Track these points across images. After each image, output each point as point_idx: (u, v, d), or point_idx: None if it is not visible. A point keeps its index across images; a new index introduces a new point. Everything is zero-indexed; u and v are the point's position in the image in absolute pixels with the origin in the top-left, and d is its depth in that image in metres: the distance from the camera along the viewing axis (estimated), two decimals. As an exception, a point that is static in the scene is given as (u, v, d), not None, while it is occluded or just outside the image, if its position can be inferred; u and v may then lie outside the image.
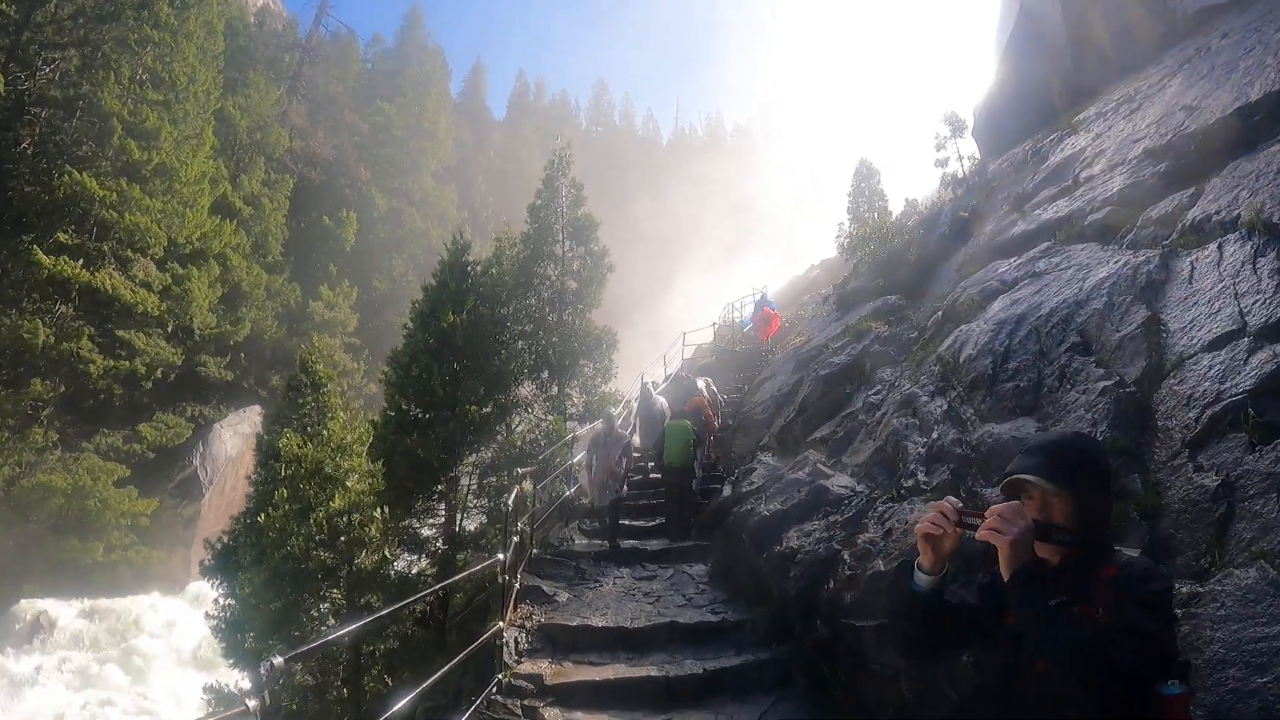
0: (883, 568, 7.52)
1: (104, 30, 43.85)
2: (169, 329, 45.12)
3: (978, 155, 24.96)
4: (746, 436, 17.61)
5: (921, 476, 8.88)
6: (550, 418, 18.10)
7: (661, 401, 16.39)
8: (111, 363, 41.47)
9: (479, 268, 17.99)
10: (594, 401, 19.89)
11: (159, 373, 43.61)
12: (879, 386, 13.33)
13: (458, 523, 16.11)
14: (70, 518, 36.05)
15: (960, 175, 25.41)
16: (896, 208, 27.74)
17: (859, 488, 9.99)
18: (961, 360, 10.46)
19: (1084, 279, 10.04)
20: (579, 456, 12.81)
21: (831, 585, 8.08)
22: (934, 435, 9.43)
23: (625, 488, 13.90)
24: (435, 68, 71.37)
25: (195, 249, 46.91)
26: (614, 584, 11.42)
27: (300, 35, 64.01)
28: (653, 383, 20.39)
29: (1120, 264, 9.63)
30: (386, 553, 13.56)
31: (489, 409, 16.10)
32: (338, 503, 12.74)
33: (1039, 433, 7.94)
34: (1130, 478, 6.53)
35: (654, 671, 8.02)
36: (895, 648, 3.15)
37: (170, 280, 45.34)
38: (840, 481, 10.36)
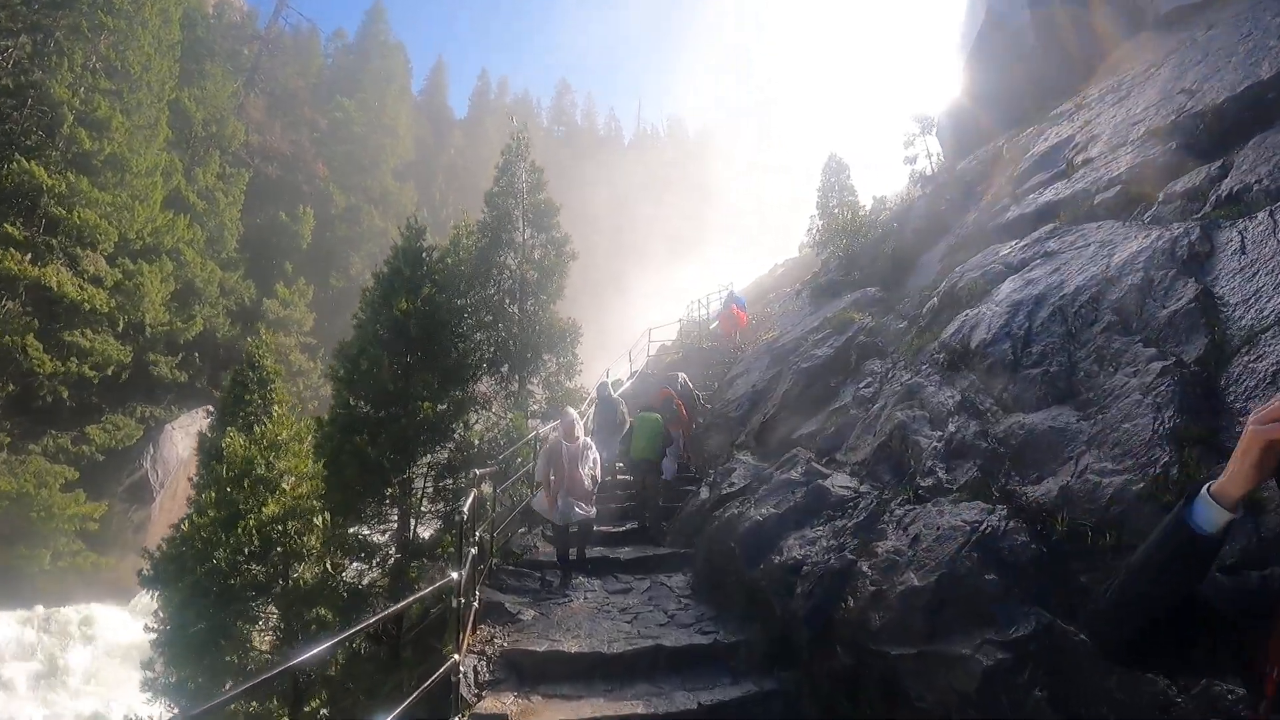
0: (917, 582, 6.17)
1: (57, 16, 41.87)
2: (119, 327, 42.93)
3: (943, 156, 24.14)
4: (720, 435, 16.31)
5: (942, 474, 7.59)
6: (511, 415, 16.65)
7: (621, 405, 15.13)
8: (61, 364, 39.36)
9: (435, 254, 16.50)
10: (558, 397, 18.40)
11: (109, 372, 41.43)
12: (869, 379, 12.14)
13: (411, 529, 14.55)
14: (16, 523, 33.83)
15: (929, 173, 24.48)
16: (866, 204, 26.62)
17: (864, 488, 8.69)
18: (973, 346, 9.24)
19: (1109, 255, 8.95)
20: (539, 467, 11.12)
21: (851, 604, 6.73)
22: (950, 428, 8.16)
23: (593, 509, 11.11)
24: (396, 64, 69.31)
25: (147, 244, 44.78)
26: (585, 599, 10.01)
27: (259, 27, 61.90)
28: (613, 382, 19.11)
29: (1152, 238, 8.56)
30: (328, 565, 11.97)
31: (445, 405, 14.59)
32: (271, 509, 11.17)
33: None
34: (1216, 469, 5.28)
35: (640, 708, 6.54)
36: (1110, 635, 1.80)
37: (121, 276, 43.18)
38: (841, 481, 9.05)
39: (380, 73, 66.25)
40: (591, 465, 10.90)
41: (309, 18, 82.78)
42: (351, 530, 14.09)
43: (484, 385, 18.10)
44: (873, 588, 6.54)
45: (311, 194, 55.83)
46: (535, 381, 19.04)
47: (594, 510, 11.00)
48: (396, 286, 15.00)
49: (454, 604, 6.60)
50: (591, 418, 15.63)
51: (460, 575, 6.51)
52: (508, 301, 19.27)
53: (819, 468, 9.75)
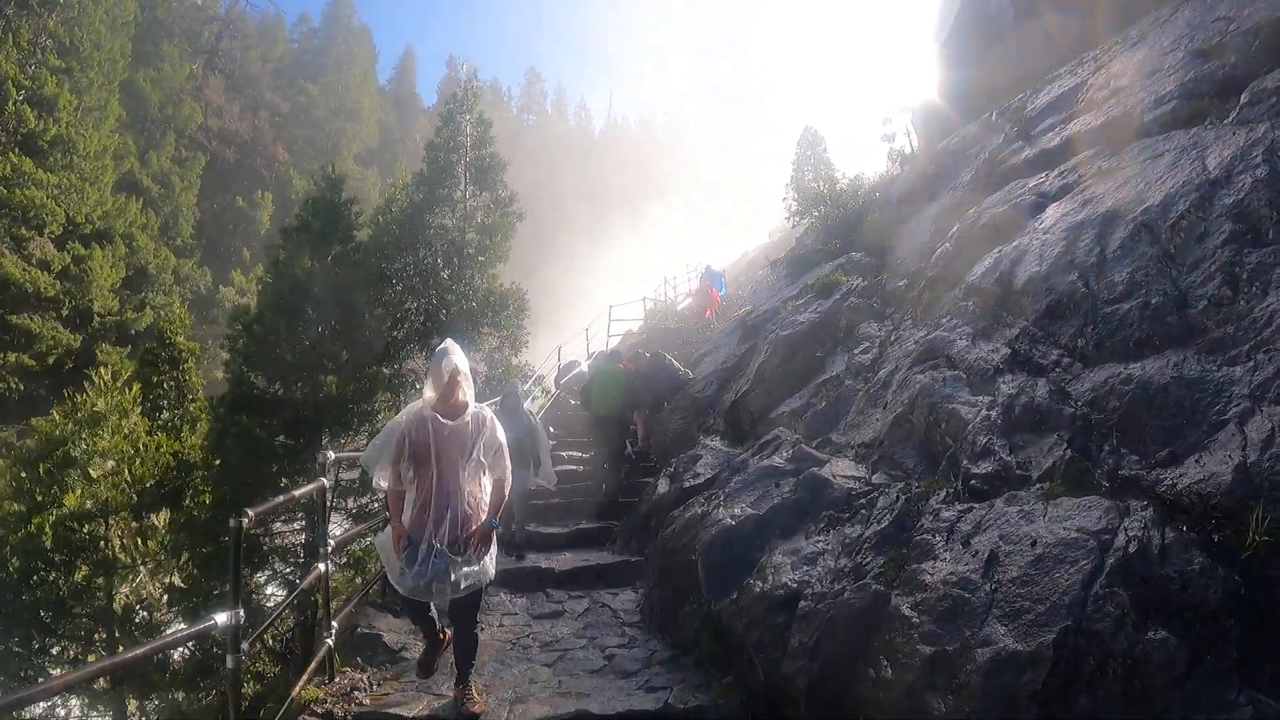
0: (1017, 645, 3.35)
1: (6, -10, 38.62)
2: (64, 312, 39.76)
3: (925, 139, 21.78)
4: (684, 419, 13.59)
5: (1005, 454, 4.89)
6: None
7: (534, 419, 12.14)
8: (11, 356, 36.28)
9: (356, 209, 13.66)
10: (498, 376, 15.58)
11: (54, 358, 38.20)
12: (865, 343, 9.53)
13: (315, 529, 11.67)
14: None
15: (909, 151, 22.14)
16: (843, 180, 23.99)
17: (877, 478, 6.00)
18: (1019, 285, 6.64)
19: (1200, 159, 6.46)
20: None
21: (889, 672, 3.88)
22: (1006, 390, 5.48)
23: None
24: (361, 48, 65.89)
25: (97, 228, 41.62)
26: (500, 625, 7.27)
27: (221, 9, 58.59)
28: (565, 366, 16.35)
29: (1260, 133, 6.03)
30: (152, 585, 9.00)
31: (361, 383, 11.76)
32: (71, 501, 8.30)
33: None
34: None
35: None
36: None
37: (69, 260, 39.97)
38: (843, 469, 6.34)
39: (343, 56, 62.87)
40: (494, 459, 4.97)
41: (273, 1, 79.22)
42: (257, 530, 11.28)
43: (417, 361, 15.29)
44: (927, 647, 3.76)
45: (271, 179, 52.30)
46: (476, 356, 16.21)
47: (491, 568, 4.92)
48: (301, 243, 12.16)
49: (228, 664, 3.81)
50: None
51: (233, 618, 3.68)
52: (442, 265, 16.33)
53: (810, 451, 7.02)
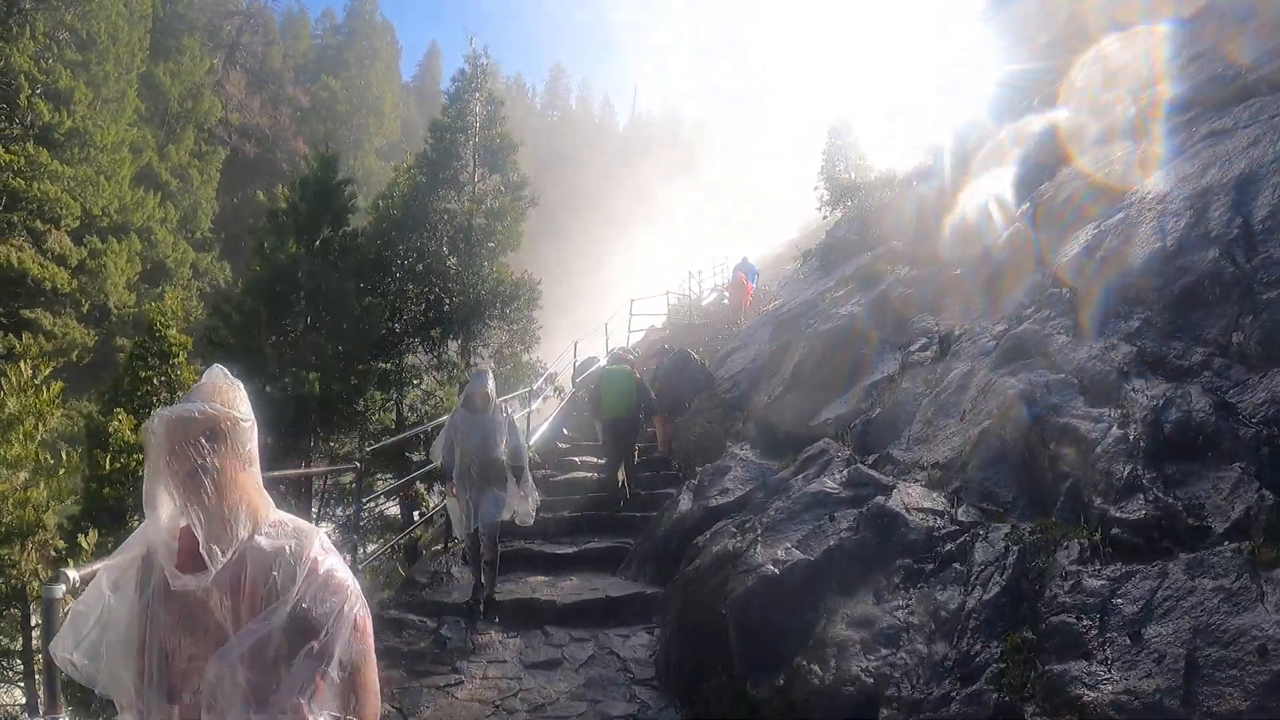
0: None
1: (23, -18, 37.87)
2: (84, 308, 38.99)
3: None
4: (709, 422, 12.21)
5: (1164, 495, 3.48)
6: (442, 390, 12.59)
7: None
8: (18, 342, 35.30)
9: (349, 191, 12.36)
10: (509, 374, 14.19)
11: (72, 356, 37.34)
12: (923, 339, 8.13)
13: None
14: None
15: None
16: (876, 170, 22.45)
17: (963, 513, 4.61)
18: (1133, 264, 5.23)
19: None
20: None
21: None
22: (1142, 401, 4.08)
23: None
24: (384, 44, 64.56)
25: (114, 221, 40.73)
26: (485, 677, 5.95)
27: (243, 2, 57.49)
28: (582, 364, 14.92)
29: None
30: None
31: (352, 380, 10.48)
32: None
33: None
34: None
35: None
36: None
37: (86, 255, 39.17)
38: (916, 499, 4.94)
39: (366, 52, 61.58)
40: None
41: None
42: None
43: (418, 356, 13.99)
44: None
45: (291, 173, 51.21)
46: (483, 353, 14.85)
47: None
48: (287, 226, 10.89)
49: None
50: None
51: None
52: (446, 251, 14.91)
53: (870, 473, 5.61)
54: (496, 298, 14.57)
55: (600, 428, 10.77)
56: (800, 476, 6.35)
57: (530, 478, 7.13)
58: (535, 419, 12.78)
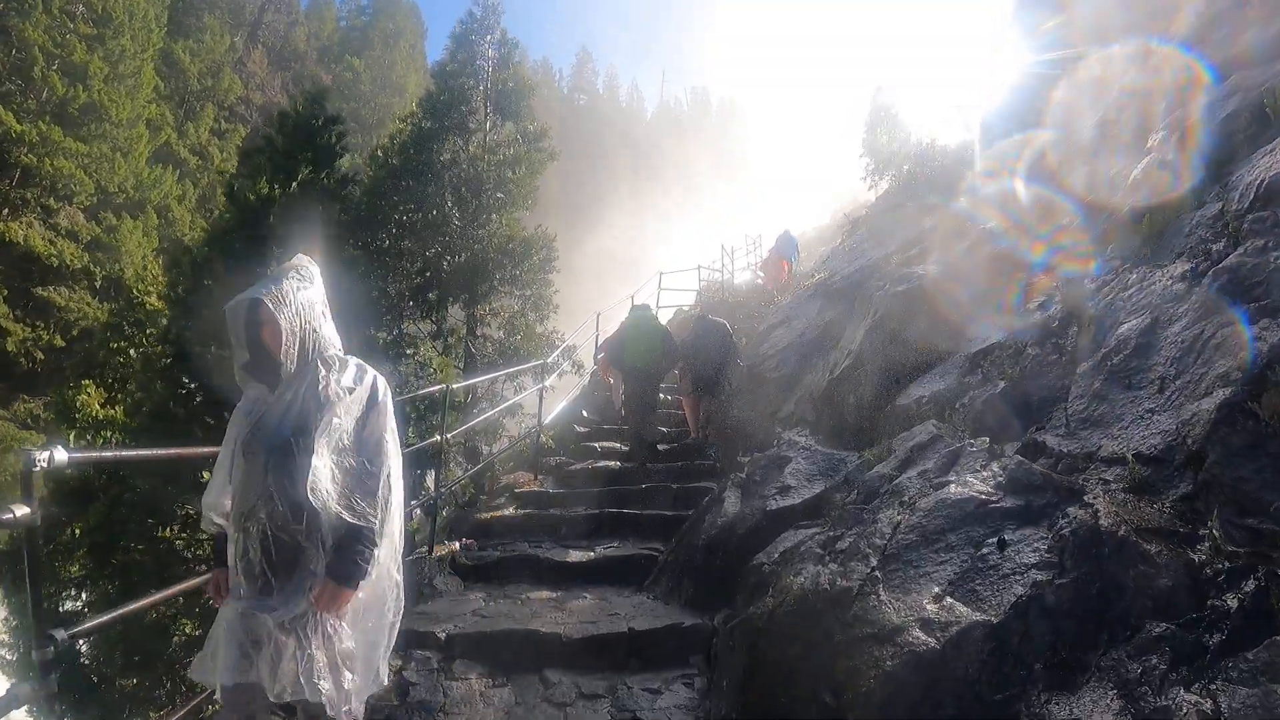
0: None
1: (38, -44, 36.62)
2: (97, 284, 37.66)
3: None
4: (749, 404, 10.24)
5: None
6: (436, 359, 10.68)
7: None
8: (30, 330, 34.36)
9: (340, 130, 10.43)
10: (520, 344, 12.19)
11: (80, 330, 36.04)
12: (1042, 297, 6.16)
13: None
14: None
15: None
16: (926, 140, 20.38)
17: (1228, 537, 2.65)
18: None
19: None
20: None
21: None
22: None
23: None
24: (409, 24, 62.51)
25: (130, 199, 39.39)
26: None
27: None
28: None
29: None
30: None
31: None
32: None
33: None
34: None
35: None
36: None
37: (101, 231, 37.82)
38: (1138, 513, 2.96)
39: (391, 32, 59.87)
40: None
41: None
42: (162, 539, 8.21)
43: (417, 325, 12.06)
44: None
45: (312, 153, 49.73)
46: (492, 321, 12.90)
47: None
48: (261, 166, 9.03)
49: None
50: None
51: None
52: (451, 203, 12.86)
53: (1050, 474, 3.63)
54: (506, 257, 12.57)
55: (621, 378, 9.54)
56: (915, 474, 4.35)
57: (394, 593, 2.97)
58: (550, 399, 10.92)
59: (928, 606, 3.04)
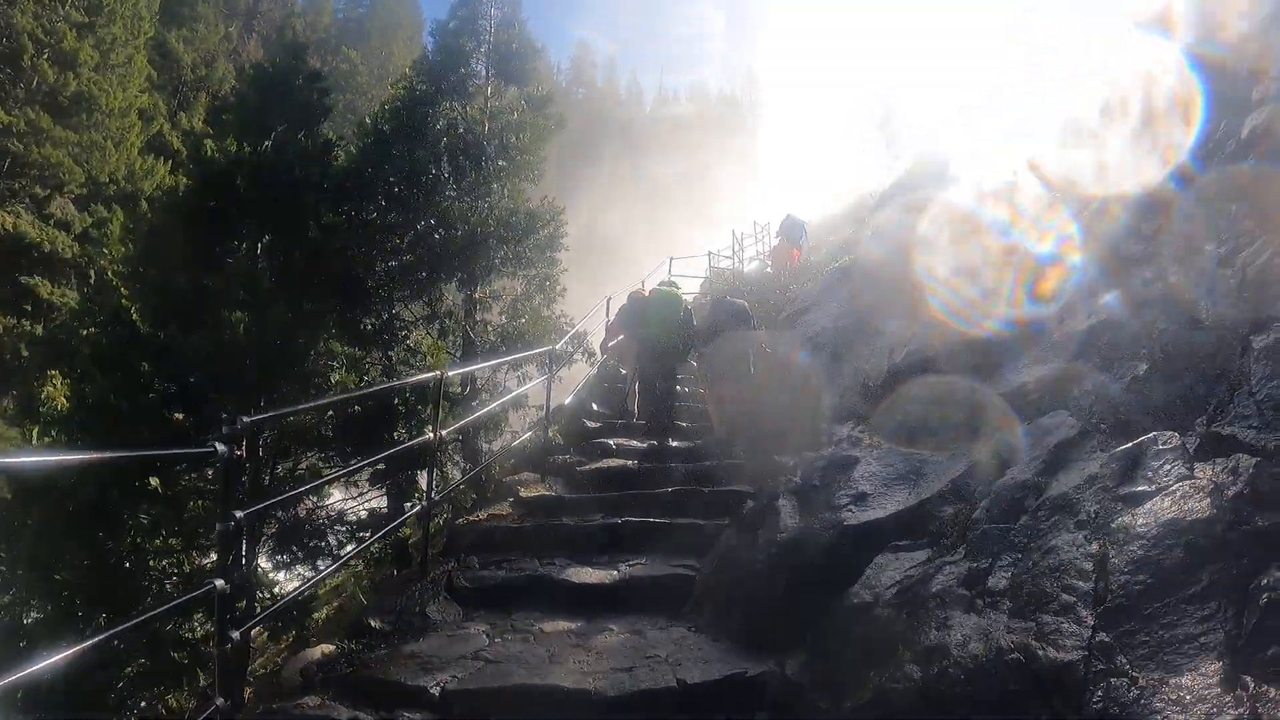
0: None
1: (28, -59, 35.45)
2: (91, 278, 36.35)
3: None
4: (781, 394, 8.99)
5: None
6: (427, 342, 9.43)
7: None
8: (15, 320, 33.02)
9: (322, 88, 9.18)
10: (524, 329, 10.85)
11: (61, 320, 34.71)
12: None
13: (243, 557, 7.15)
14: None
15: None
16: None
17: None
18: None
19: None
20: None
21: None
22: None
23: None
24: (406, 15, 60.94)
25: (123, 189, 38.02)
26: None
27: (261, -31, 54.40)
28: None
29: None
30: None
31: (296, 332, 7.31)
32: None
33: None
34: None
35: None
36: None
37: (91, 222, 36.52)
38: None
39: (389, 23, 58.42)
40: None
41: None
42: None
43: (410, 308, 10.76)
44: None
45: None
46: (493, 304, 11.60)
47: None
48: (228, 124, 7.78)
49: None
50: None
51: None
52: (447, 172, 11.51)
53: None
54: (509, 231, 11.21)
55: (637, 351, 8.96)
56: (1080, 481, 3.13)
57: None
58: (556, 391, 9.72)
59: (1222, 697, 1.82)
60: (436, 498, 5.55)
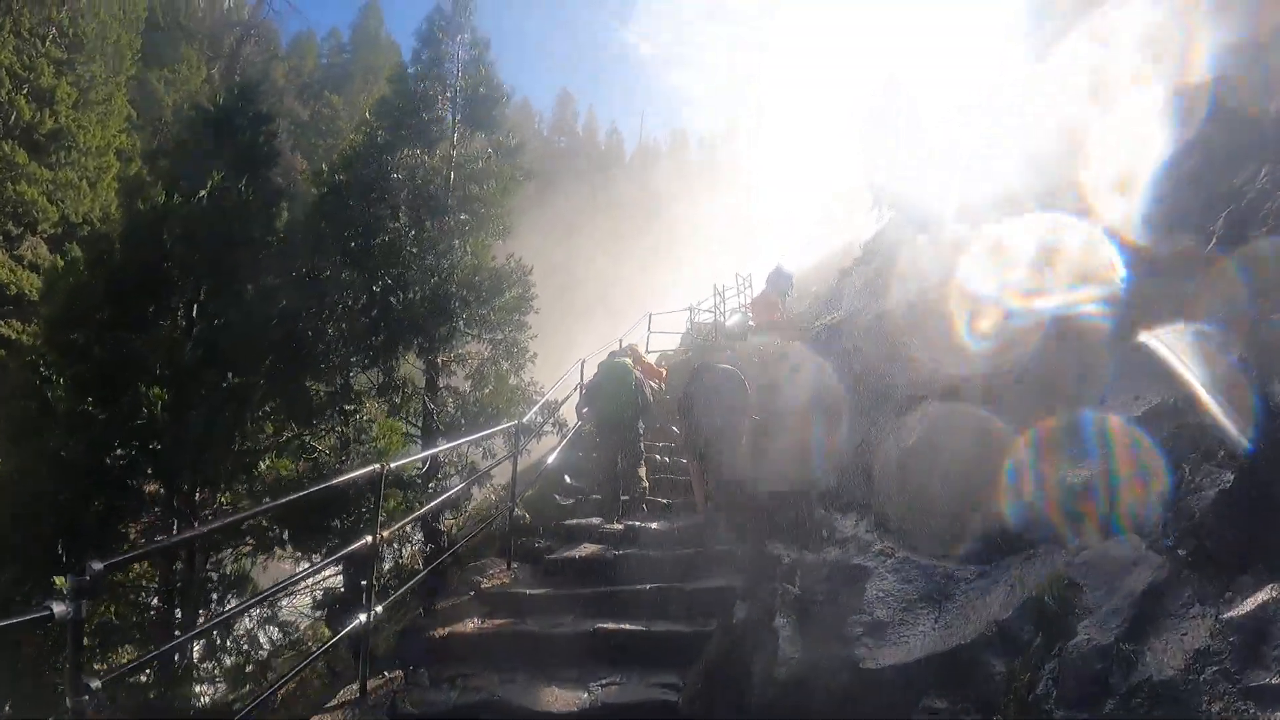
0: None
1: (12, -22, 35.13)
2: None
3: None
4: (767, 470, 8.16)
5: None
6: (380, 421, 8.54)
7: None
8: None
9: (272, 129, 8.39)
10: (489, 399, 9.90)
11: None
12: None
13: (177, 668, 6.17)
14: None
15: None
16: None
17: None
18: None
19: None
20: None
21: None
22: None
23: None
24: (388, 61, 60.56)
25: (99, 230, 37.15)
26: None
27: (245, 15, 54.00)
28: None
29: None
30: None
31: (224, 401, 6.40)
32: None
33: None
34: None
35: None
36: None
37: (63, 264, 35.41)
38: None
39: (370, 69, 58.07)
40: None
41: (296, 6, 76.05)
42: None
43: (369, 374, 9.86)
44: None
45: (287, 187, 47.05)
46: (457, 368, 10.68)
47: None
48: (161, 170, 6.99)
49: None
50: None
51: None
52: (406, 225, 10.54)
53: None
54: (472, 293, 10.32)
55: (599, 430, 8.56)
56: (1197, 662, 2.33)
57: None
58: (525, 462, 8.89)
59: None
60: (379, 611, 4.65)
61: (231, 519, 6.50)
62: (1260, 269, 3.90)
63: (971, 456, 5.18)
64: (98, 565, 2.57)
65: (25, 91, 34.94)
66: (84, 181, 36.63)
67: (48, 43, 36.56)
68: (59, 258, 35.41)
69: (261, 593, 6.47)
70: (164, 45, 44.19)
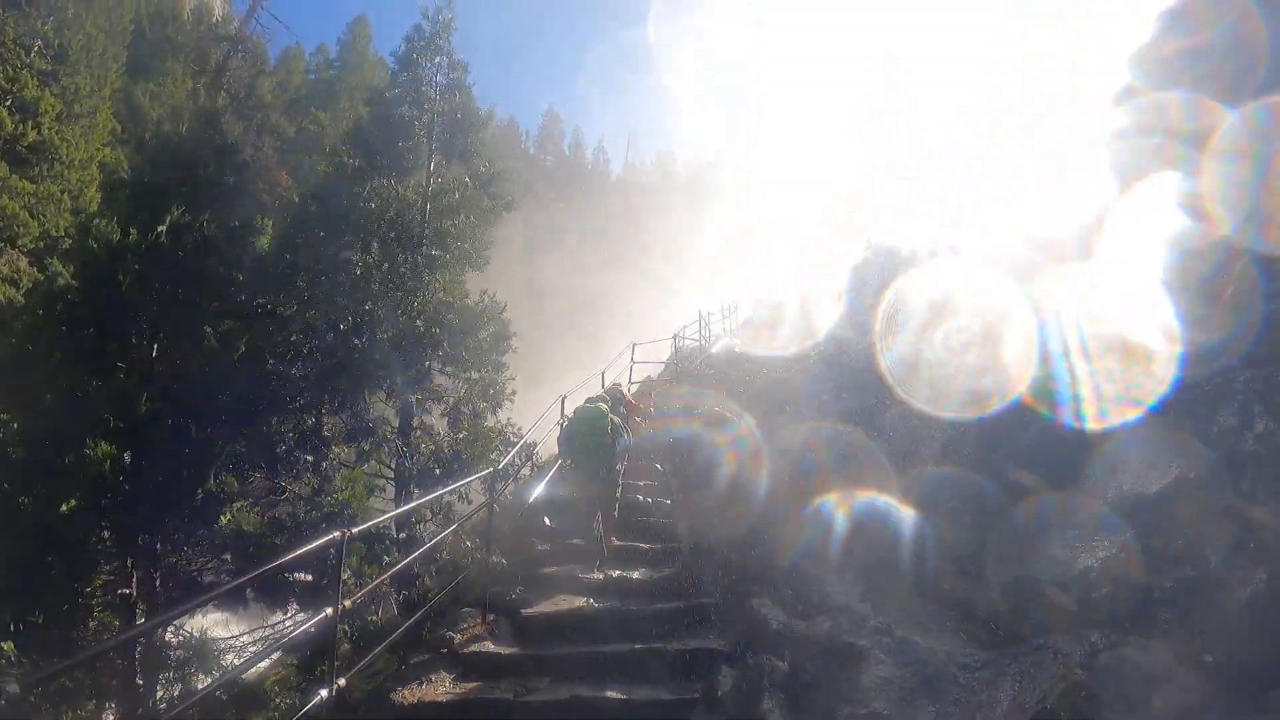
0: None
1: (0, -8, 34.65)
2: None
3: None
4: (748, 518, 7.81)
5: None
6: (339, 474, 8.14)
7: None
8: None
9: (239, 162, 7.99)
10: (464, 444, 9.46)
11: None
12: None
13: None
14: None
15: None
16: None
17: None
18: None
19: None
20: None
21: None
22: None
23: None
24: (377, 79, 60.01)
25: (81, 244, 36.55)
26: None
27: (232, 29, 53.36)
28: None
29: None
30: None
31: (184, 470, 6.00)
32: None
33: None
34: None
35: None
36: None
37: (43, 279, 34.71)
38: None
39: (358, 85, 57.55)
40: None
41: (285, 23, 75.68)
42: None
43: (337, 417, 9.44)
44: None
45: (272, 203, 46.53)
46: (433, 408, 10.28)
47: None
48: (119, 203, 6.62)
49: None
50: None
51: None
52: (376, 260, 10.45)
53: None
54: (445, 330, 10.19)
55: (575, 473, 8.33)
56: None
57: None
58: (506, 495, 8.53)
59: None
60: (341, 684, 4.25)
61: (180, 611, 6.01)
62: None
63: (963, 537, 4.90)
64: (13, 688, 2.28)
65: (8, 103, 34.35)
66: (65, 195, 36.00)
67: (33, 54, 35.93)
68: (38, 271, 34.98)
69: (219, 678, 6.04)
70: (150, 58, 43.64)
